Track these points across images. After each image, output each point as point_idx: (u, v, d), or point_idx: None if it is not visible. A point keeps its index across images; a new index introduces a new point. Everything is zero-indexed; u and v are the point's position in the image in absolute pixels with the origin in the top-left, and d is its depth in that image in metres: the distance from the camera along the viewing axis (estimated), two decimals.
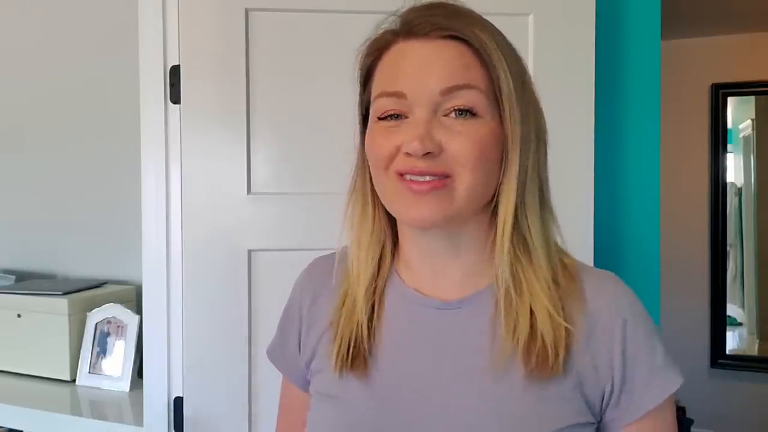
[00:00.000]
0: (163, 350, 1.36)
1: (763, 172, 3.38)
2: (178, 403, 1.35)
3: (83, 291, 1.70)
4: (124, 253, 1.78)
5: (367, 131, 0.73)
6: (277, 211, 1.33)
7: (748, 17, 3.00)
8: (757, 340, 3.46)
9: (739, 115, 3.40)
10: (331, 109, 1.27)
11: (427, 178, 0.67)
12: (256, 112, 1.33)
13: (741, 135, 3.43)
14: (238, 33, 1.31)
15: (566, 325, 0.69)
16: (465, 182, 0.67)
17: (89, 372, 1.61)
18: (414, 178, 0.67)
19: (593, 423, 0.71)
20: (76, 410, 1.48)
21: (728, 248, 3.38)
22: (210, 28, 1.31)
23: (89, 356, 1.61)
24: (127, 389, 1.57)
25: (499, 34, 0.71)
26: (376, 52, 0.73)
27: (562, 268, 0.73)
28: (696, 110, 3.35)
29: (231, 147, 1.32)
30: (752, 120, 3.39)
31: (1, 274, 1.88)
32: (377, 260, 0.77)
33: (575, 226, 1.33)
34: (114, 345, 1.60)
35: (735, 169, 3.41)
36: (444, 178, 0.67)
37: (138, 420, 1.39)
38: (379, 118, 0.70)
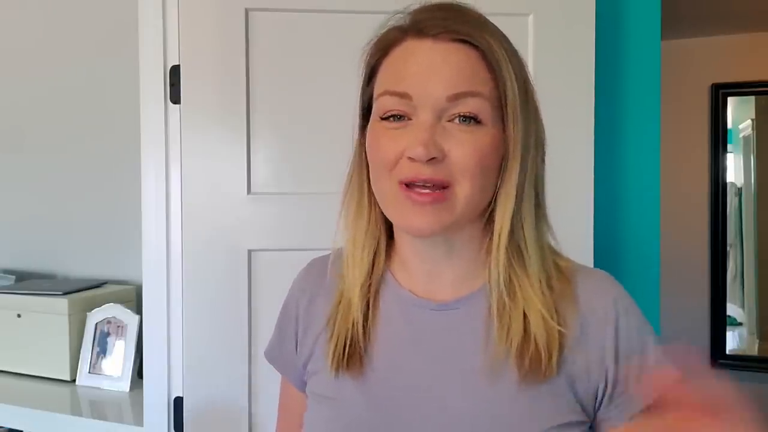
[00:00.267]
0: (163, 350, 1.36)
1: (763, 172, 3.38)
2: (178, 403, 1.35)
3: (83, 291, 1.70)
4: (124, 253, 1.78)
5: (369, 129, 0.73)
6: (277, 211, 1.33)
7: (748, 17, 3.00)
8: (757, 340, 3.45)
9: (739, 115, 3.40)
10: (331, 109, 1.27)
11: (428, 189, 0.66)
12: (256, 112, 1.33)
13: (741, 135, 3.43)
14: (238, 33, 1.31)
15: (559, 328, 0.69)
16: (464, 191, 0.67)
17: (89, 372, 1.61)
18: (418, 190, 0.67)
19: (585, 421, 0.71)
20: (76, 410, 1.48)
21: (728, 248, 3.38)
22: (210, 28, 1.31)
23: (89, 356, 1.61)
24: (127, 389, 1.57)
25: (506, 39, 0.71)
26: (383, 48, 0.72)
27: (557, 271, 0.73)
28: (696, 110, 3.35)
29: (231, 147, 1.32)
30: (752, 120, 3.39)
31: (1, 274, 1.88)
32: (372, 257, 0.77)
33: (575, 227, 1.33)
34: (114, 345, 1.61)
35: (735, 169, 3.40)
36: (444, 189, 0.67)
37: (138, 420, 1.39)
38: (382, 118, 0.70)
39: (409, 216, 0.68)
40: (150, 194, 1.36)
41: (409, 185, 0.67)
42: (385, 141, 0.69)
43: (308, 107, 1.33)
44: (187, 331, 1.34)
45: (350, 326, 0.75)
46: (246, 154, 1.32)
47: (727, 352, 3.39)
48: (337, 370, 0.75)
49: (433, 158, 0.66)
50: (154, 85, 1.34)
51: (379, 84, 0.72)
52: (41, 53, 1.90)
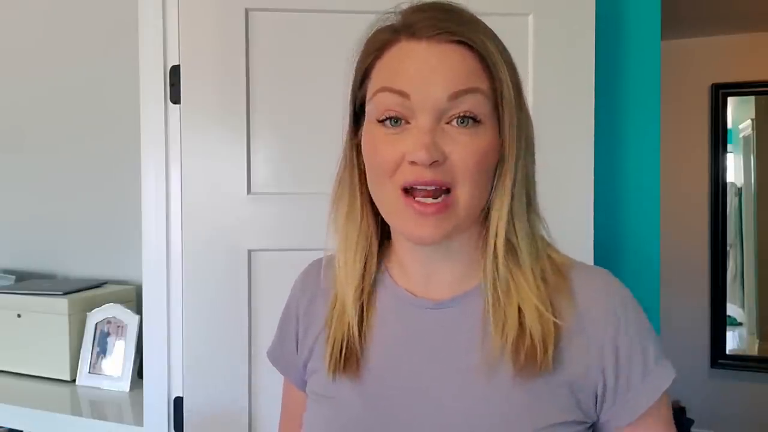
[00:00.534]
0: (163, 350, 1.36)
1: (763, 172, 3.38)
2: (178, 403, 1.35)
3: (83, 291, 1.70)
4: (124, 253, 1.78)
5: (364, 132, 0.72)
6: (277, 211, 1.33)
7: (748, 17, 3.00)
8: (757, 340, 3.46)
9: (739, 115, 3.40)
10: (331, 109, 1.26)
11: (430, 199, 0.66)
12: (256, 112, 1.33)
13: (741, 135, 3.43)
14: (238, 33, 1.31)
15: (554, 320, 0.69)
16: (465, 195, 0.67)
17: (89, 372, 1.61)
18: (420, 198, 0.67)
19: (584, 422, 0.71)
20: (76, 410, 1.48)
21: (728, 248, 3.38)
22: (210, 28, 1.31)
23: (89, 356, 1.61)
24: (127, 389, 1.57)
25: (497, 38, 0.71)
26: (377, 49, 0.71)
27: (550, 263, 0.73)
28: (696, 110, 3.35)
29: (231, 147, 1.32)
30: (752, 120, 3.39)
31: (1, 274, 1.88)
32: (365, 259, 0.77)
33: (575, 227, 1.33)
34: (114, 345, 1.61)
35: (735, 169, 3.41)
36: (446, 194, 0.67)
37: (138, 420, 1.39)
38: (379, 120, 0.69)
39: (411, 225, 0.68)
40: (150, 194, 1.36)
41: (410, 190, 0.67)
42: (384, 146, 0.68)
43: (308, 107, 1.33)
44: (187, 331, 1.34)
45: (345, 329, 0.75)
46: (246, 154, 1.32)
47: (727, 352, 3.39)
48: (334, 372, 0.75)
49: (435, 161, 0.66)
50: (154, 85, 1.34)
51: (375, 83, 0.71)
52: (41, 53, 1.90)
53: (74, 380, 1.62)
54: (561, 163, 1.29)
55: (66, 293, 1.65)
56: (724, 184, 3.36)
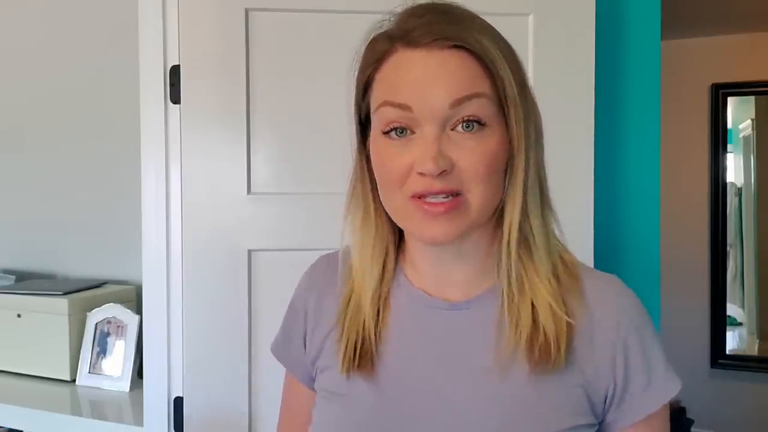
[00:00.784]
0: (163, 350, 1.36)
1: (763, 172, 3.38)
2: (178, 403, 1.35)
3: (83, 291, 1.70)
4: (124, 253, 1.78)
5: (372, 143, 0.72)
6: (277, 211, 1.33)
7: (748, 17, 3.01)
8: (757, 340, 3.46)
9: (739, 115, 3.40)
10: (331, 109, 1.27)
11: (441, 198, 0.66)
12: (256, 112, 1.33)
13: (741, 135, 3.43)
14: (238, 33, 1.31)
15: (567, 318, 0.69)
16: (477, 197, 0.67)
17: (89, 372, 1.61)
18: (430, 199, 0.66)
19: (594, 424, 0.72)
20: (76, 410, 1.48)
21: (728, 248, 3.38)
22: (210, 28, 1.31)
23: (89, 356, 1.61)
24: (127, 389, 1.56)
25: (499, 36, 0.70)
26: (375, 61, 0.70)
27: (562, 264, 0.73)
28: (696, 110, 3.35)
29: (231, 147, 1.32)
30: (752, 120, 3.40)
31: (1, 274, 1.88)
32: (383, 262, 0.77)
33: (575, 227, 1.32)
34: (114, 345, 1.60)
35: (735, 169, 3.41)
36: (457, 196, 0.67)
37: (138, 420, 1.39)
38: (384, 132, 0.69)
39: (423, 226, 0.68)
40: (150, 194, 1.35)
41: (420, 196, 0.67)
42: (391, 157, 0.68)
43: (308, 107, 1.33)
44: (187, 331, 1.33)
45: (361, 328, 0.75)
46: (246, 154, 1.32)
47: (727, 352, 3.39)
48: (348, 371, 0.75)
49: (443, 171, 0.65)
50: (154, 85, 1.34)
51: (376, 96, 0.70)
52: (41, 53, 1.90)
53: (74, 380, 1.61)
54: (561, 163, 1.28)
55: (66, 293, 1.65)
56: (724, 184, 3.36)
